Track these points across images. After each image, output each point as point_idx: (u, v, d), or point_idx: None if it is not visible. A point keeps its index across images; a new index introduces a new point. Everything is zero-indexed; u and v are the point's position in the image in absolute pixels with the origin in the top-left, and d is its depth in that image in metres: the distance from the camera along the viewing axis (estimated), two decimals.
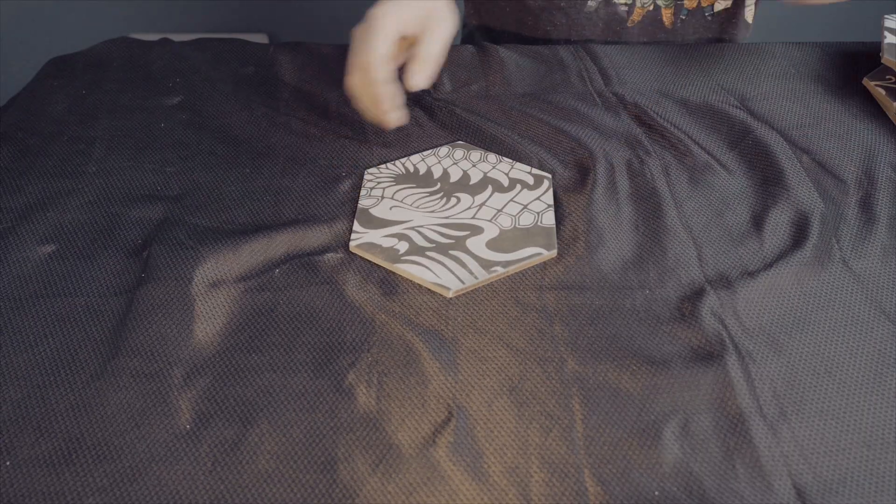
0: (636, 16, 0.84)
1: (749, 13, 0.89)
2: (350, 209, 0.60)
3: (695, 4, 0.84)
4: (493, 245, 0.56)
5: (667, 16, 0.84)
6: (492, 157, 0.66)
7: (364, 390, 0.46)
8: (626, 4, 0.82)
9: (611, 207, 0.60)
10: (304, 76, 0.77)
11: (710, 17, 0.86)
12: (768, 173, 0.63)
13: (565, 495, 0.41)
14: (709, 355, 0.48)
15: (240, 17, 1.74)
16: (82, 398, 0.45)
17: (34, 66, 0.80)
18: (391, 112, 0.59)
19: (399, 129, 0.69)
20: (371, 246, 0.56)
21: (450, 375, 0.47)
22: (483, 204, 0.60)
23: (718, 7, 0.86)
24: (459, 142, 0.68)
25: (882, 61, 0.73)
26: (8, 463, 0.42)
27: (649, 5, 0.82)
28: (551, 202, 0.60)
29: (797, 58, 0.80)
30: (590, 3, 0.82)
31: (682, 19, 0.85)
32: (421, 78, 0.57)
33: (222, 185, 0.63)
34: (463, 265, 0.54)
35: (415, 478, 0.42)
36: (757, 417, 0.45)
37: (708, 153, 0.66)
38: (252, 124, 0.70)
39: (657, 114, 0.71)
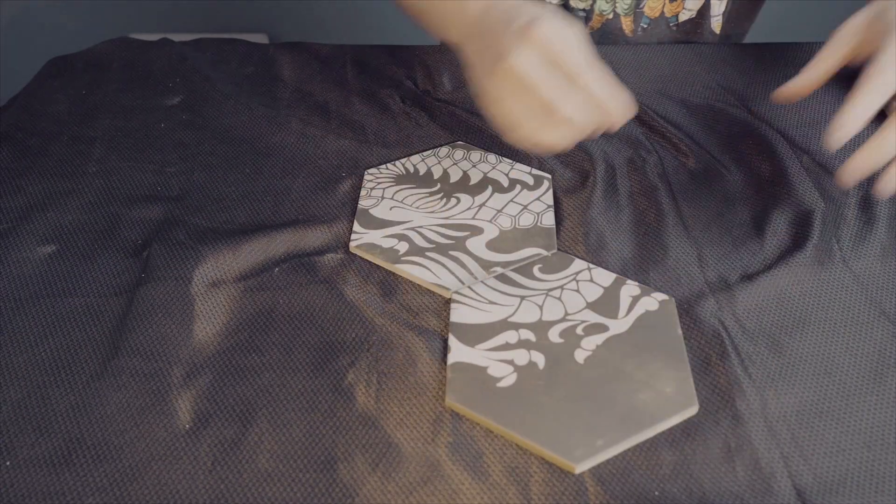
0: (595, 23, 0.83)
1: (716, 23, 0.88)
2: (350, 209, 0.60)
3: (657, 13, 0.83)
4: (492, 246, 0.56)
5: (626, 24, 0.84)
6: (492, 157, 0.66)
7: (363, 390, 0.46)
8: (583, 10, 0.81)
9: (611, 208, 0.60)
10: (304, 76, 0.77)
11: (674, 27, 0.85)
12: (769, 174, 0.63)
13: (565, 495, 0.41)
14: (709, 356, 0.48)
15: (240, 17, 1.74)
16: (82, 398, 0.45)
17: (34, 66, 0.80)
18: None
19: (399, 129, 0.69)
20: (371, 246, 0.56)
21: None
22: (483, 204, 0.60)
23: (683, 17, 0.85)
24: (459, 142, 0.68)
25: None
26: (8, 463, 0.42)
27: (608, 14, 0.82)
28: (551, 203, 0.60)
29: (797, 58, 0.80)
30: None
31: (643, 28, 0.85)
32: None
33: (222, 185, 0.63)
34: (463, 266, 0.54)
35: (414, 477, 0.42)
36: (757, 417, 0.45)
37: (708, 153, 0.66)
38: (252, 124, 0.70)
39: (657, 114, 0.71)
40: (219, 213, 0.59)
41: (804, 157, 0.65)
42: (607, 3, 0.81)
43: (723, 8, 0.86)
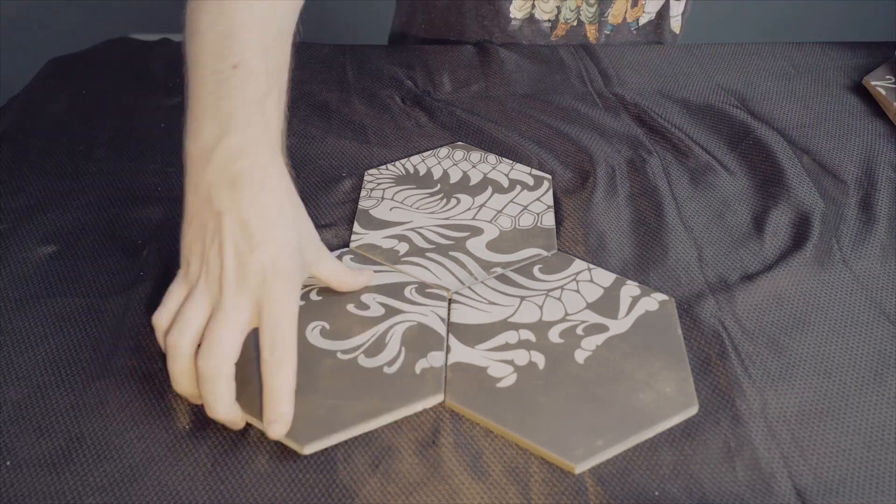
0: (560, 30, 0.84)
1: (676, 24, 0.89)
2: (350, 210, 0.60)
3: (620, 20, 0.85)
4: (492, 246, 0.56)
5: (591, 31, 0.85)
6: (492, 157, 0.66)
7: None
8: (548, 21, 0.83)
9: (611, 208, 0.60)
10: (304, 76, 0.77)
11: (635, 32, 0.86)
12: (769, 174, 0.63)
13: (565, 495, 0.41)
14: (709, 356, 0.48)
15: None
16: (82, 398, 0.45)
17: (34, 66, 0.80)
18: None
19: (399, 129, 0.69)
20: (371, 247, 0.56)
21: None
22: (483, 205, 0.60)
23: (643, 20, 0.86)
24: (459, 143, 0.68)
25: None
26: (8, 463, 0.42)
27: (573, 21, 0.83)
28: (551, 203, 0.60)
29: (797, 58, 0.80)
30: (513, 22, 0.83)
31: (606, 34, 0.86)
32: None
33: None
34: (463, 266, 0.54)
35: (414, 477, 0.42)
36: (757, 418, 0.45)
37: (709, 154, 0.66)
38: None
39: (657, 114, 0.71)
40: None
41: (804, 157, 0.65)
42: (571, 11, 0.82)
43: (681, 8, 0.88)
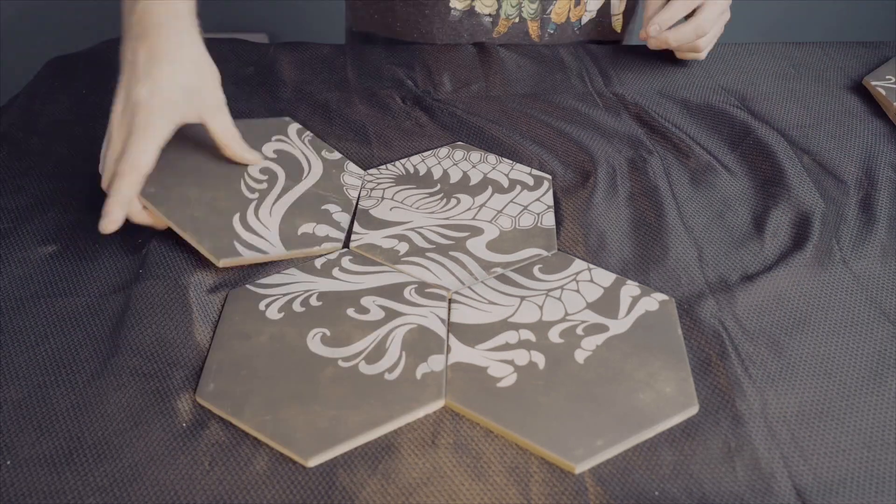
0: (501, 27, 0.84)
1: (616, 22, 0.88)
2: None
3: (563, 19, 0.84)
4: (493, 246, 0.56)
5: (533, 28, 0.84)
6: (492, 157, 0.66)
7: None
8: (489, 16, 0.82)
9: (611, 208, 0.60)
10: (304, 76, 0.77)
11: (577, 31, 0.86)
12: (769, 174, 0.63)
13: (565, 495, 0.41)
14: (709, 356, 0.48)
15: (240, 17, 1.74)
16: (82, 398, 0.45)
17: (34, 66, 0.80)
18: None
19: (399, 129, 0.69)
20: (371, 247, 0.56)
21: None
22: (483, 205, 0.60)
23: (585, 19, 0.86)
24: (459, 143, 0.68)
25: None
26: (8, 462, 0.42)
27: (514, 17, 0.82)
28: (551, 203, 0.60)
29: (797, 58, 0.80)
30: (453, 12, 0.83)
31: (549, 33, 0.85)
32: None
33: None
34: (463, 266, 0.54)
35: (415, 478, 0.42)
36: (757, 418, 0.45)
37: (709, 154, 0.66)
38: None
39: (658, 114, 0.71)
40: None
41: (804, 157, 0.65)
42: (513, 7, 0.82)
43: (622, 7, 0.87)
